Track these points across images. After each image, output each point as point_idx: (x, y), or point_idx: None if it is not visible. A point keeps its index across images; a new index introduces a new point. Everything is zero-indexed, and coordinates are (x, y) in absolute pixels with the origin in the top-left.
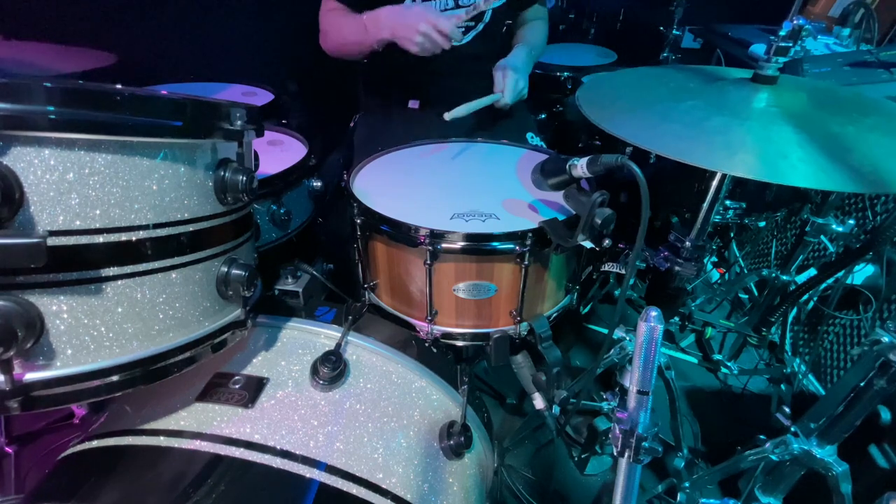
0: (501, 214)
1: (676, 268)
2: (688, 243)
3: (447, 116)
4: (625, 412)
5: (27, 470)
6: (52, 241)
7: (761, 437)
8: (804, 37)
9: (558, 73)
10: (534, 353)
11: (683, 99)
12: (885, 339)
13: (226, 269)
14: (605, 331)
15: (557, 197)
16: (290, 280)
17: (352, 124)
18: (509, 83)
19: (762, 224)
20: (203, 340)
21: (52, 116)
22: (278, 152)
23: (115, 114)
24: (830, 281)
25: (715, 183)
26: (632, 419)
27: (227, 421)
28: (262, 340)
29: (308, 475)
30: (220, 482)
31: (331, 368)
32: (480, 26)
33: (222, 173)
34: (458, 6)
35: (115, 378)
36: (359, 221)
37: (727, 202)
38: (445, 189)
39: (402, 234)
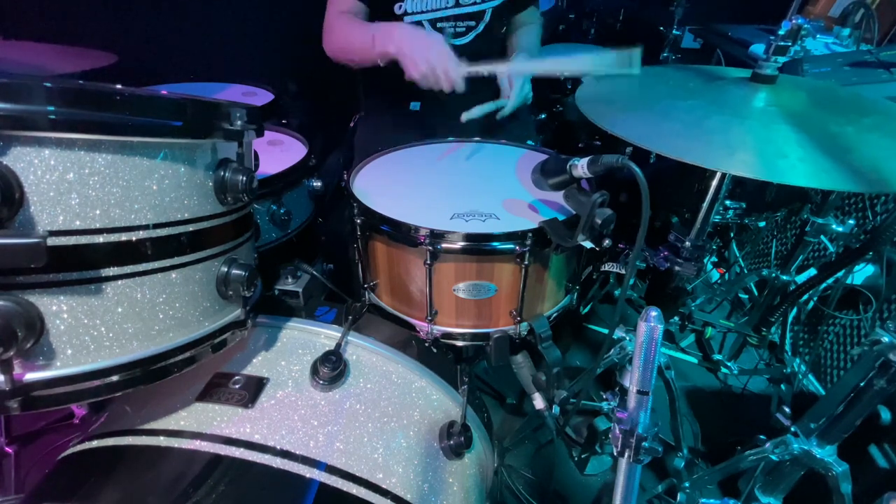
0: (501, 214)
1: (676, 268)
2: (688, 243)
3: (464, 117)
4: (625, 412)
5: (27, 470)
6: (52, 241)
7: (761, 437)
8: (804, 36)
9: None
10: (534, 353)
11: (683, 98)
12: (885, 339)
13: (226, 269)
14: (605, 331)
15: (557, 197)
16: (290, 280)
17: (352, 124)
18: (515, 89)
19: (762, 224)
20: (203, 340)
21: (52, 116)
22: (278, 152)
23: (115, 114)
24: (830, 281)
25: (715, 183)
26: (632, 419)
27: (227, 421)
28: (262, 340)
29: (308, 475)
30: (220, 482)
31: (331, 368)
32: (481, 26)
33: (222, 173)
34: (458, 4)
35: (115, 378)
36: (359, 221)
37: (727, 202)
38: (445, 189)
39: (402, 234)
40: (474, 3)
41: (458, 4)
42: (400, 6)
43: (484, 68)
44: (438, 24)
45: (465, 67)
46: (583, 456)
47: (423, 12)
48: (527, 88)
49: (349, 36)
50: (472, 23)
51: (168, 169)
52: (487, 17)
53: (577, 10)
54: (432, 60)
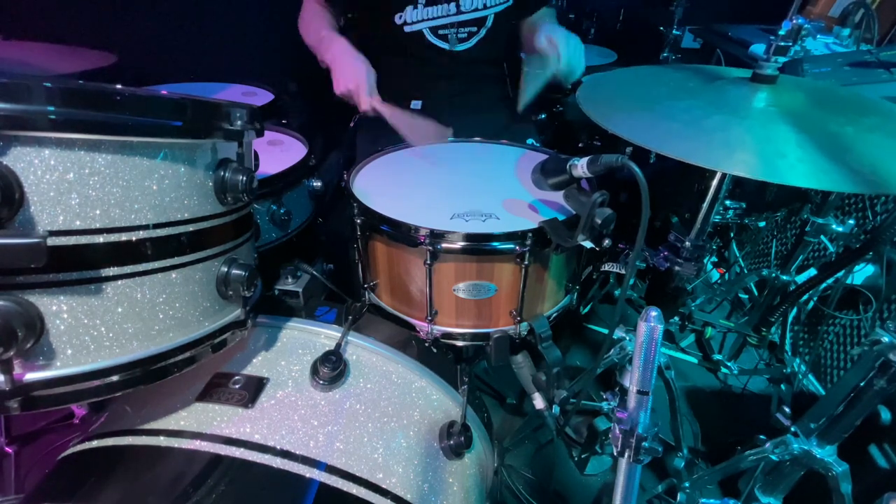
0: (501, 214)
1: (676, 268)
2: (688, 243)
3: (521, 107)
4: (625, 412)
5: (27, 470)
6: (52, 241)
7: (761, 437)
8: (804, 37)
9: None
10: (534, 353)
11: (683, 98)
12: (885, 339)
13: (226, 269)
14: (605, 331)
15: (557, 197)
16: (290, 280)
17: (352, 124)
18: (560, 42)
19: (762, 224)
20: (203, 340)
21: (52, 116)
22: (278, 152)
23: (115, 114)
24: (830, 281)
25: (715, 183)
26: (632, 419)
27: (228, 421)
28: (262, 340)
29: (308, 475)
30: (220, 482)
31: (331, 368)
32: (483, 31)
33: (222, 173)
34: (459, 11)
35: (115, 378)
36: (359, 221)
37: (727, 202)
38: (445, 189)
39: (402, 234)
40: (476, 10)
41: (459, 11)
42: (400, 16)
43: (386, 109)
44: (440, 32)
45: (377, 99)
46: (583, 456)
47: (424, 20)
48: (573, 41)
49: (310, 32)
50: (475, 28)
51: (168, 169)
52: (490, 22)
53: (577, 10)
54: (350, 86)
